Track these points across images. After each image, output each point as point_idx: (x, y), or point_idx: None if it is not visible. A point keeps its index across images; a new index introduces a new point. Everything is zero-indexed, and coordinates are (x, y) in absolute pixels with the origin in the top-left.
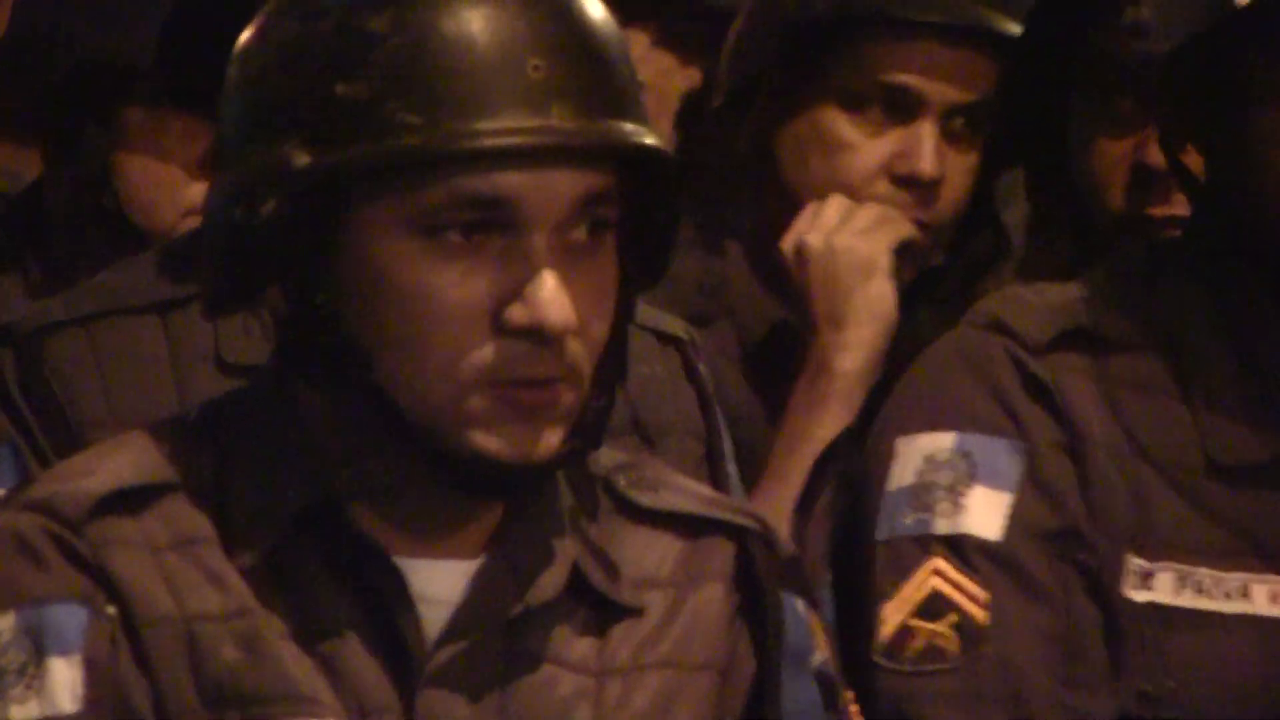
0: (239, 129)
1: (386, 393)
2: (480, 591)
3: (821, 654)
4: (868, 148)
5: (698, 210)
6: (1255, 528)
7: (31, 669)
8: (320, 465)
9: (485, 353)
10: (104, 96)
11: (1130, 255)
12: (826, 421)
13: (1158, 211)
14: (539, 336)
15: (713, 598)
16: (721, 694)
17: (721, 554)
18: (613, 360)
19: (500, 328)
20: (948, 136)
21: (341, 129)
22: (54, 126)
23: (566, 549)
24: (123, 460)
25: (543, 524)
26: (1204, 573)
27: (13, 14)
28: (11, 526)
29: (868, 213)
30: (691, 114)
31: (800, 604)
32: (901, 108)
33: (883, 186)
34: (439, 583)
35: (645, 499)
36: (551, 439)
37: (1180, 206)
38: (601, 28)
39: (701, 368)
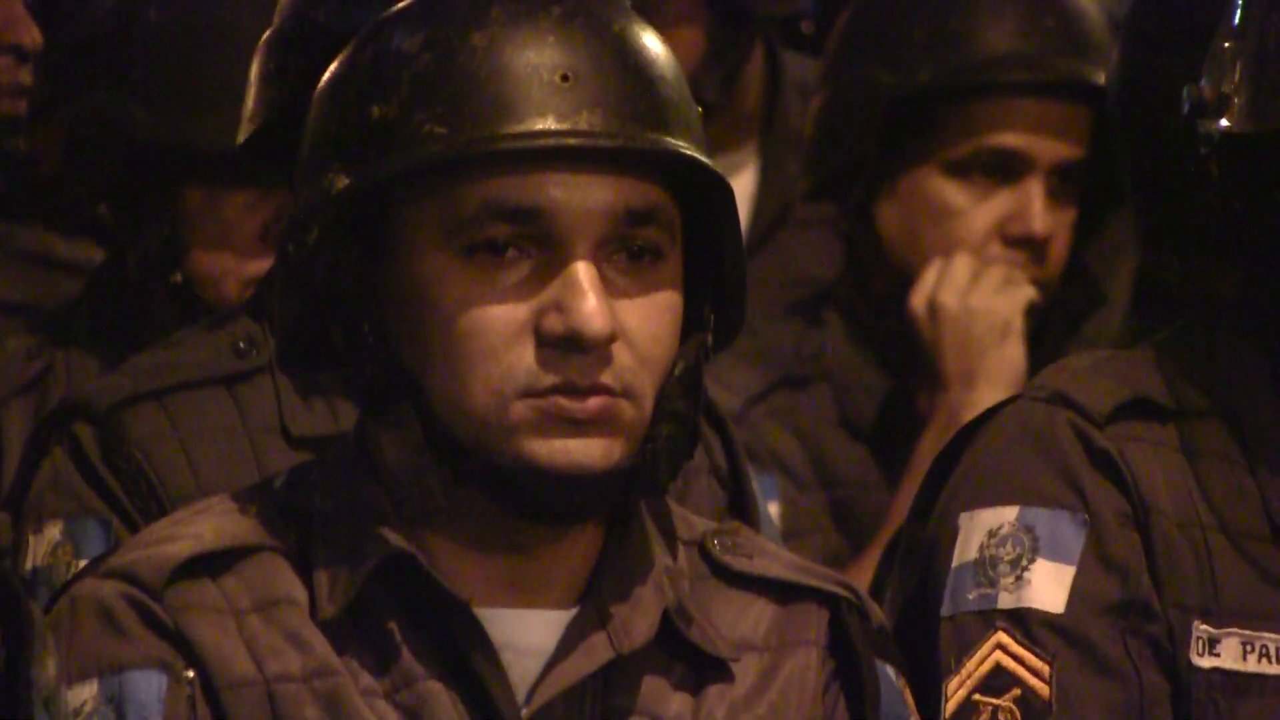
0: (299, 169)
1: (437, 415)
2: (572, 640)
3: None
4: (978, 211)
5: (796, 283)
6: None
7: None
8: (399, 517)
9: (526, 363)
10: (164, 178)
11: (1188, 321)
12: None
13: None
14: (576, 344)
15: (807, 663)
16: None
17: (815, 620)
18: (683, 391)
19: (540, 340)
20: (1051, 193)
21: (375, 148)
22: (118, 209)
23: (658, 599)
24: (204, 525)
25: (635, 576)
26: (1269, 638)
27: (73, 100)
28: (93, 594)
29: (997, 272)
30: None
31: (892, 671)
32: (1007, 169)
33: (995, 248)
34: (530, 632)
35: (739, 564)
36: (607, 450)
37: None
38: (644, 46)
39: (725, 418)
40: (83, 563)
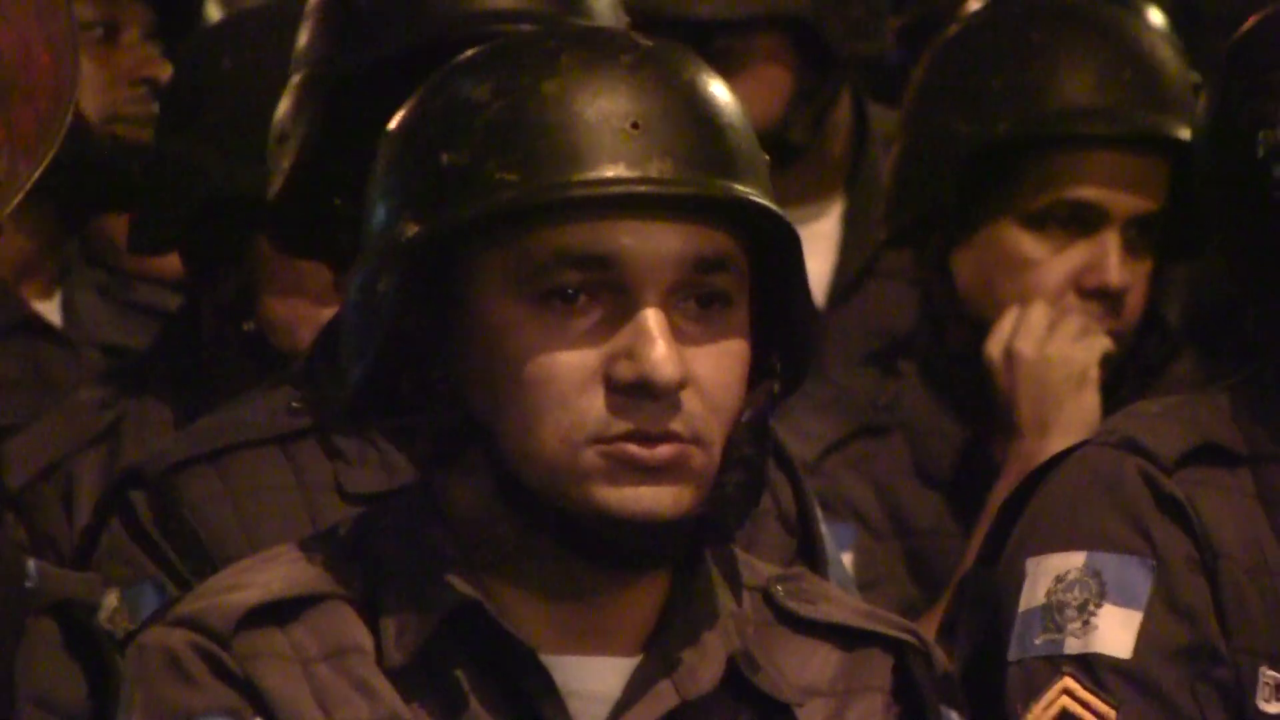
0: (367, 218)
1: (508, 462)
2: (638, 687)
3: None
4: (1054, 263)
5: (879, 333)
6: None
7: None
8: (467, 564)
9: (596, 410)
10: (237, 226)
11: (1262, 365)
12: None
13: None
14: (647, 390)
15: (873, 709)
16: None
17: (880, 666)
18: (751, 438)
19: (611, 386)
20: (1127, 245)
21: (446, 196)
22: (191, 257)
23: (724, 645)
24: (272, 573)
25: (701, 622)
26: None
27: (148, 147)
28: (161, 642)
29: (1074, 321)
30: None
31: (957, 717)
32: (1083, 221)
33: (1071, 300)
34: (595, 679)
35: (804, 610)
36: (677, 497)
37: None
38: (712, 95)
39: (793, 457)
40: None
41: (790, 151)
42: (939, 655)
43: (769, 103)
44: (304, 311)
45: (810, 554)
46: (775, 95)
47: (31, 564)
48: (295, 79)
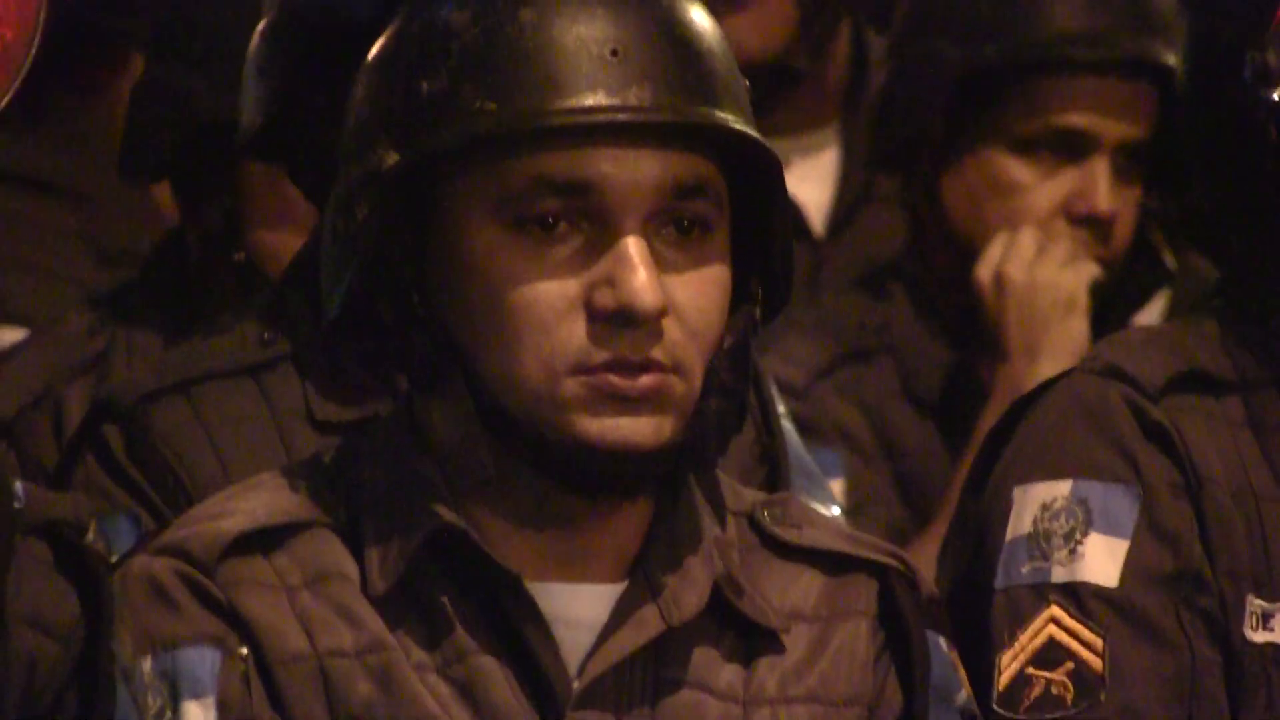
0: (344, 145)
1: (488, 390)
2: (623, 613)
3: (966, 691)
4: (1043, 189)
5: (862, 256)
6: None
7: (168, 713)
8: (450, 492)
9: (577, 338)
10: (225, 155)
11: (1243, 293)
12: None
13: None
14: (628, 318)
15: (858, 634)
16: None
17: (865, 591)
18: (731, 364)
19: (592, 314)
20: (1116, 172)
21: (424, 123)
22: (179, 185)
23: (708, 570)
24: (256, 501)
25: (685, 548)
26: None
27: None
28: (146, 570)
29: (1063, 247)
30: None
31: (943, 642)
32: (1073, 147)
33: (1060, 226)
34: (580, 606)
35: (789, 535)
36: (658, 427)
37: None
38: (692, 20)
39: (765, 377)
40: (113, 559)
41: (792, 79)
42: (925, 580)
43: (772, 31)
44: (291, 241)
45: (776, 481)
46: (778, 23)
47: (19, 485)
48: (264, 21)
